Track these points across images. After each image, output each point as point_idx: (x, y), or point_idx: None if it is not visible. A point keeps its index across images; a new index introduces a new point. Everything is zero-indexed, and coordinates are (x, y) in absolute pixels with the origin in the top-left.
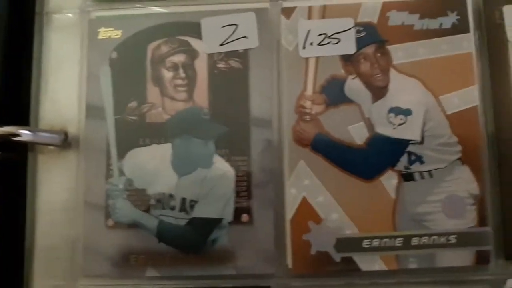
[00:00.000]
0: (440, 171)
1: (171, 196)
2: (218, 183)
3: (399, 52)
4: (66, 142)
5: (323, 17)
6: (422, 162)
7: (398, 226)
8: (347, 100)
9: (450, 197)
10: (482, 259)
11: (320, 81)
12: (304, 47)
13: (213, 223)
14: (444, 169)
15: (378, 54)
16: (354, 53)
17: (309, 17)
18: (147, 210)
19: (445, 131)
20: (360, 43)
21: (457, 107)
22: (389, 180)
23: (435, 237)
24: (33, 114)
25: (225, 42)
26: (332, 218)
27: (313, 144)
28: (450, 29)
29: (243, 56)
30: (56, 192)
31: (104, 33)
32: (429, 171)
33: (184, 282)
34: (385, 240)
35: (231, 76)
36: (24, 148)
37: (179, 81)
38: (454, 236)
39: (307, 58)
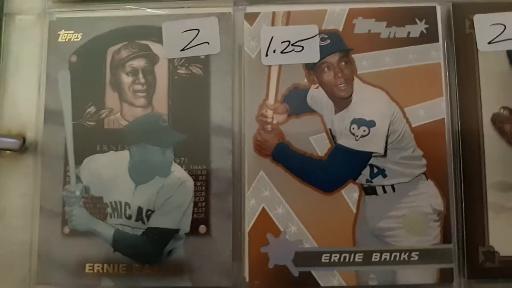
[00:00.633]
0: (403, 186)
1: (127, 204)
2: (176, 193)
3: (364, 61)
4: (23, 147)
5: (287, 23)
6: (385, 176)
7: (358, 241)
8: (309, 110)
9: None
10: (445, 277)
11: (282, 90)
12: (266, 55)
13: (169, 234)
14: (408, 183)
15: (343, 63)
16: (318, 62)
17: (273, 24)
18: (103, 219)
19: (410, 144)
20: (324, 52)
21: (423, 119)
22: (350, 193)
23: (396, 253)
24: None
25: (186, 48)
26: (291, 231)
27: (273, 154)
28: (418, 38)
29: (204, 62)
30: (12, 198)
31: (64, 35)
32: (392, 185)
33: None
34: (344, 255)
35: (191, 83)
36: None
37: (139, 87)
38: (416, 253)
39: (269, 66)
